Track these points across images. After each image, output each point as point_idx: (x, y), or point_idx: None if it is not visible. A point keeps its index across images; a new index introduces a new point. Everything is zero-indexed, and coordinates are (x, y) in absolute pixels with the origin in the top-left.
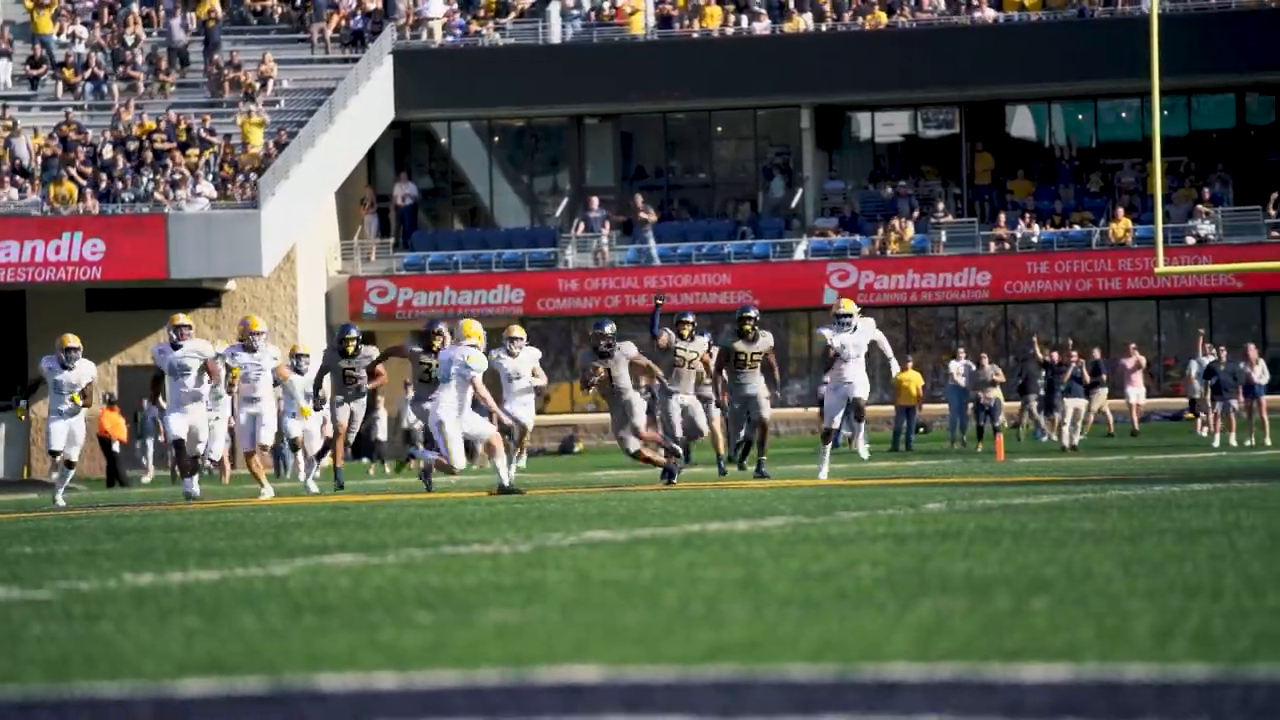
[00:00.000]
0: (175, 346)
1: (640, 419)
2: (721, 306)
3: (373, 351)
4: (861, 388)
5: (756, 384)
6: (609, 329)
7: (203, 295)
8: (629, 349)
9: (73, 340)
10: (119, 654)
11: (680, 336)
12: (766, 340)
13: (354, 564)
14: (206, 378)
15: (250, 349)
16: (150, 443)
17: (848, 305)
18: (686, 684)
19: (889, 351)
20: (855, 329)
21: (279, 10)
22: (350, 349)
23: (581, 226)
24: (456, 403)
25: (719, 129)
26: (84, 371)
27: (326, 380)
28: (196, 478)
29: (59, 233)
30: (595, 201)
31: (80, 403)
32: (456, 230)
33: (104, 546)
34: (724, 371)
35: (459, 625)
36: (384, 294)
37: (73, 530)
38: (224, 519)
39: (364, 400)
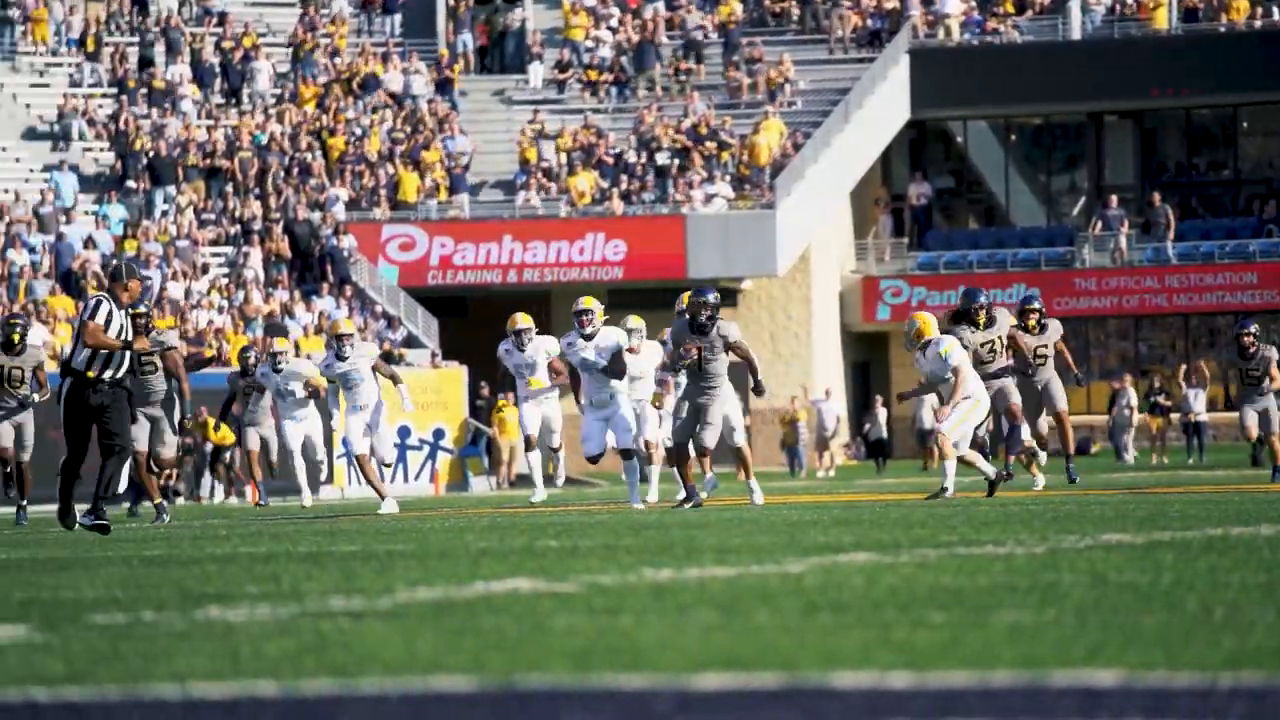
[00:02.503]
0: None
1: (717, 419)
2: (1246, 307)
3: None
4: None
5: None
6: (713, 298)
7: (720, 295)
8: (731, 330)
9: (522, 321)
10: (639, 647)
11: None
12: None
13: (868, 563)
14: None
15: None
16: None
17: None
18: (1209, 690)
19: None
20: None
21: (796, 11)
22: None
23: (1099, 225)
24: None
25: (1245, 124)
26: (538, 348)
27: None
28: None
29: (583, 234)
30: (1114, 200)
31: (548, 383)
32: (972, 229)
33: (624, 542)
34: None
35: (973, 626)
36: (898, 294)
37: (595, 525)
38: (740, 516)
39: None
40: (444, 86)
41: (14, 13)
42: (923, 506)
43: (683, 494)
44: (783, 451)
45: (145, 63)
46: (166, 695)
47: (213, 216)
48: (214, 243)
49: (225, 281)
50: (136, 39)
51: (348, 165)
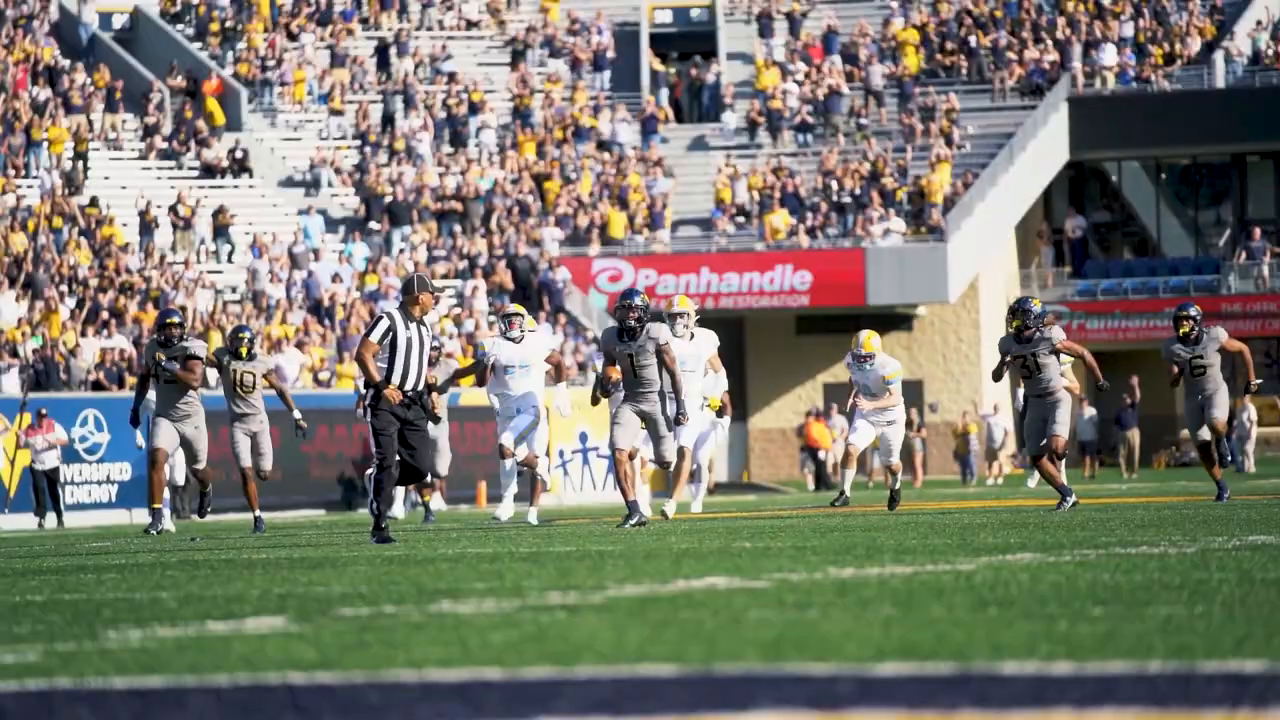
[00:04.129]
0: (509, 338)
1: (666, 429)
2: None
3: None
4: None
5: None
6: (639, 300)
7: (896, 320)
8: (662, 332)
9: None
10: (825, 638)
11: None
12: None
13: (1033, 562)
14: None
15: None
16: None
17: None
18: None
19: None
20: None
21: (965, 63)
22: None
23: (1243, 255)
24: None
25: None
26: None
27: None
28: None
29: (772, 265)
30: (1257, 232)
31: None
32: (1126, 260)
33: (811, 543)
34: None
35: (1129, 619)
36: (1059, 319)
37: (784, 529)
38: (916, 520)
39: None
40: (648, 134)
41: (272, 75)
42: (1084, 511)
43: (631, 513)
44: (955, 461)
45: (386, 118)
46: (405, 679)
47: (444, 253)
48: (445, 276)
49: (456, 311)
50: (378, 97)
51: (562, 206)
